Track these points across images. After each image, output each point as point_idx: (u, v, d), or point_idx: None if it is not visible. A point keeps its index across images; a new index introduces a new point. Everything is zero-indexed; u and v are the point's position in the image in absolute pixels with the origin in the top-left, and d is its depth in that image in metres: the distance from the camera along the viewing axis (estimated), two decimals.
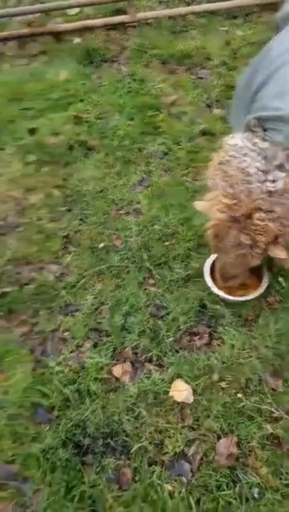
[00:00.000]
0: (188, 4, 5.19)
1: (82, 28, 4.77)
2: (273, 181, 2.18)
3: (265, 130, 2.28)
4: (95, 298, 2.78)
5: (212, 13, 5.02)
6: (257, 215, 2.17)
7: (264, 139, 2.25)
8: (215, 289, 2.68)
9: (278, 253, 2.25)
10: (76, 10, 5.08)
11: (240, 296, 2.69)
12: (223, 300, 2.70)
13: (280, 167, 2.19)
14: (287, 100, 2.20)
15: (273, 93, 2.28)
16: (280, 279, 2.74)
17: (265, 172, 2.20)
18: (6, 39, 4.74)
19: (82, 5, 5.03)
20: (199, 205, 2.44)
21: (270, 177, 2.18)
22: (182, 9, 5.11)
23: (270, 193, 2.17)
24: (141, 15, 4.98)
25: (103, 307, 2.74)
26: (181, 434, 2.28)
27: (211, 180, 2.39)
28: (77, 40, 4.65)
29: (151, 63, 4.41)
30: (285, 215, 2.19)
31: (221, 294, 2.68)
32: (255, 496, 2.12)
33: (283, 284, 2.75)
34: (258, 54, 2.65)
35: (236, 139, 2.36)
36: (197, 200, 2.50)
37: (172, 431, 2.30)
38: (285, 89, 2.23)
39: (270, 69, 2.34)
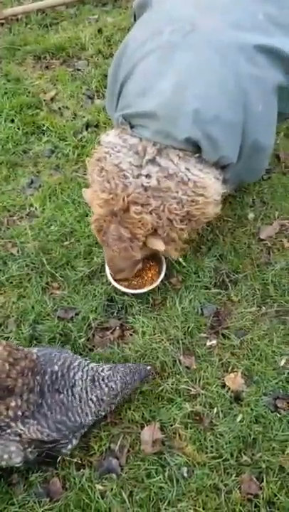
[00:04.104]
0: None
1: None
2: (147, 176, 2.22)
3: (132, 127, 2.31)
4: None
5: (81, 2, 4.94)
6: (133, 208, 2.20)
7: (133, 136, 2.28)
8: (115, 282, 2.68)
9: (156, 244, 2.29)
10: None
11: (139, 287, 2.72)
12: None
13: (152, 161, 2.23)
14: (148, 96, 2.22)
15: (136, 90, 2.30)
16: (180, 259, 2.78)
17: (138, 167, 2.24)
18: None
19: None
20: (86, 192, 2.45)
21: (144, 172, 2.22)
22: (51, 1, 4.97)
23: (144, 188, 2.20)
24: (8, 11, 4.78)
25: (9, 320, 2.65)
26: (104, 431, 2.28)
27: (90, 176, 2.41)
28: None
29: (25, 61, 4.25)
30: (161, 208, 2.23)
31: (119, 286, 2.68)
32: (185, 475, 2.18)
33: (183, 263, 2.80)
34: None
35: (110, 136, 2.40)
36: (84, 189, 2.49)
37: (96, 430, 2.29)
38: (146, 85, 2.24)
39: (130, 63, 2.33)
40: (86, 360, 2.27)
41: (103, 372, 2.18)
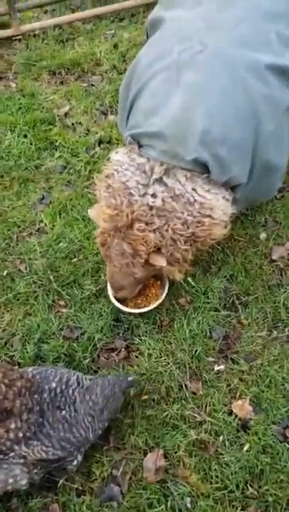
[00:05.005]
0: (74, 11, 5.10)
1: None
2: (153, 195, 2.20)
3: (140, 146, 2.29)
4: (4, 330, 2.65)
5: (98, 17, 4.97)
6: (137, 225, 2.18)
7: (141, 155, 2.27)
8: (121, 306, 2.63)
9: (158, 260, 2.25)
10: None
11: (144, 306, 2.66)
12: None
13: (159, 181, 2.21)
14: (157, 116, 2.20)
15: (145, 108, 2.29)
16: (189, 278, 2.73)
17: (145, 186, 2.23)
18: None
19: None
20: (91, 212, 2.44)
21: (150, 191, 2.21)
22: (68, 17, 5.01)
23: (150, 206, 2.19)
24: (26, 27, 4.82)
25: (14, 339, 2.62)
26: (106, 457, 2.22)
27: (98, 192, 2.40)
28: None
29: (40, 76, 4.27)
30: (165, 228, 2.21)
31: (126, 308, 2.64)
32: (188, 505, 2.10)
33: (192, 283, 2.74)
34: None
35: (119, 154, 2.40)
36: (90, 209, 2.47)
37: (98, 455, 2.23)
38: (155, 104, 2.23)
39: (140, 81, 2.33)
40: (79, 373, 2.23)
41: (86, 381, 2.16)
